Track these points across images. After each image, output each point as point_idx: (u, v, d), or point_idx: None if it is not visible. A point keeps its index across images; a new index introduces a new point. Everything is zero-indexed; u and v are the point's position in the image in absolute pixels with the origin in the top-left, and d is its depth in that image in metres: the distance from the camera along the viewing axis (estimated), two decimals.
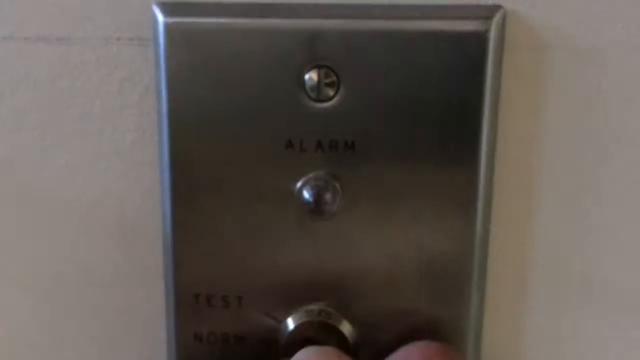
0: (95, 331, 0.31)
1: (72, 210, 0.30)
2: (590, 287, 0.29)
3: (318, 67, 0.27)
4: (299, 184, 0.28)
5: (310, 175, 0.28)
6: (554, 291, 0.29)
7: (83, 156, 0.29)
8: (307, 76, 0.27)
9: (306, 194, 0.27)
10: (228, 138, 0.27)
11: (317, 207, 0.27)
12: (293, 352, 0.27)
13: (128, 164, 0.29)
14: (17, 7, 0.28)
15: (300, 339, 0.29)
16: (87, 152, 0.29)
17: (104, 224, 0.30)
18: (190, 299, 0.29)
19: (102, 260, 0.30)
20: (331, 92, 0.27)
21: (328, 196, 0.27)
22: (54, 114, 0.29)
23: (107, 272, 0.31)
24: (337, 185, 0.27)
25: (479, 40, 0.26)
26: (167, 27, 0.27)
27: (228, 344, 0.29)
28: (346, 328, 0.29)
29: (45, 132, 0.29)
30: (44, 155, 0.29)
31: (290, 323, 0.29)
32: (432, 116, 0.27)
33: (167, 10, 0.27)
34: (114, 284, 0.31)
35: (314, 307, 0.29)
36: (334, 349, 0.27)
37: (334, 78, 0.27)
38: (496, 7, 0.26)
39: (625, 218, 0.28)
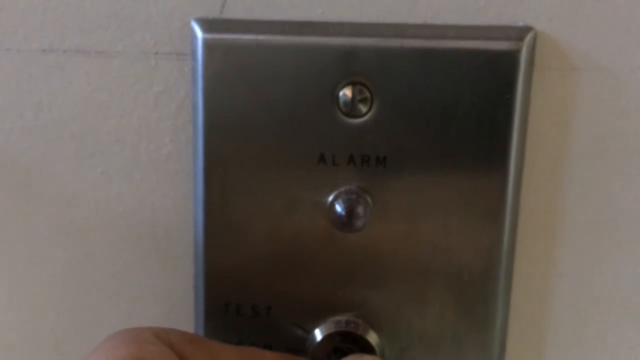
0: None
1: (106, 220, 0.30)
2: (614, 306, 0.30)
3: (352, 83, 0.27)
4: (330, 198, 0.28)
5: (342, 189, 0.28)
6: (577, 305, 0.30)
7: (118, 167, 0.30)
8: (341, 92, 0.27)
9: (338, 208, 0.28)
10: (262, 151, 0.28)
11: (349, 220, 0.28)
12: None
13: (162, 175, 0.30)
14: (57, 20, 0.28)
15: (328, 349, 0.29)
16: (123, 163, 0.30)
17: (137, 233, 0.30)
18: (220, 308, 0.30)
19: (133, 269, 0.31)
20: (364, 108, 0.27)
21: (360, 209, 0.28)
22: (91, 125, 0.29)
23: (139, 281, 0.31)
24: (369, 198, 0.28)
25: (511, 59, 0.26)
26: (206, 42, 0.27)
27: None
28: (373, 338, 0.29)
29: (82, 142, 0.30)
30: (80, 165, 0.30)
31: (318, 333, 0.29)
32: (463, 132, 0.27)
33: (206, 26, 0.27)
34: (145, 293, 0.31)
35: (342, 317, 0.29)
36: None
37: (368, 94, 0.27)
38: (527, 29, 0.27)
39: None
